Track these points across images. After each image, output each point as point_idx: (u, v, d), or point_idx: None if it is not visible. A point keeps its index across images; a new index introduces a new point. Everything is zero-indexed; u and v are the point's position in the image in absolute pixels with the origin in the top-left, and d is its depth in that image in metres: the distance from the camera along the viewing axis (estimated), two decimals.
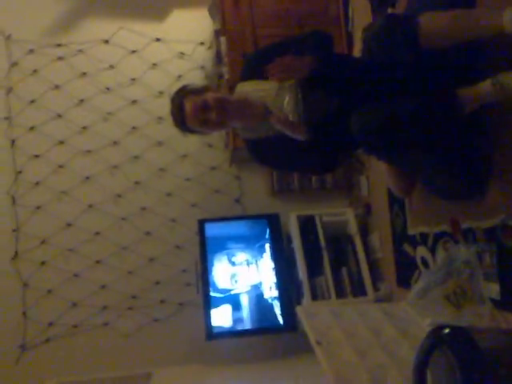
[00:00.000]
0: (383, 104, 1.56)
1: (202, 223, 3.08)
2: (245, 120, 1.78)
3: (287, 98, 1.73)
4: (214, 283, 3.06)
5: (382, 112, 1.53)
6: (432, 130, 1.59)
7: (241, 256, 3.21)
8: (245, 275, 3.17)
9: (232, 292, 3.13)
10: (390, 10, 2.50)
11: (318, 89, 1.70)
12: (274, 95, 1.75)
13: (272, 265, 3.08)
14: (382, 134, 1.53)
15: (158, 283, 3.22)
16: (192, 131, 1.78)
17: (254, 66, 1.81)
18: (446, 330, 1.17)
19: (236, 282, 3.14)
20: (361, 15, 2.93)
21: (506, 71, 1.54)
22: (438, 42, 1.55)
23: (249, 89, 1.80)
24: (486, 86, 1.54)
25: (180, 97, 1.74)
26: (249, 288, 3.16)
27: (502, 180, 1.69)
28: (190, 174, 3.35)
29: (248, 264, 3.18)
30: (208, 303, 2.93)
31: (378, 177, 2.84)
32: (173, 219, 3.29)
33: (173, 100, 1.76)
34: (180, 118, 1.72)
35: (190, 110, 1.69)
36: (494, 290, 1.72)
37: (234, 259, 3.19)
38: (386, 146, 1.57)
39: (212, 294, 2.98)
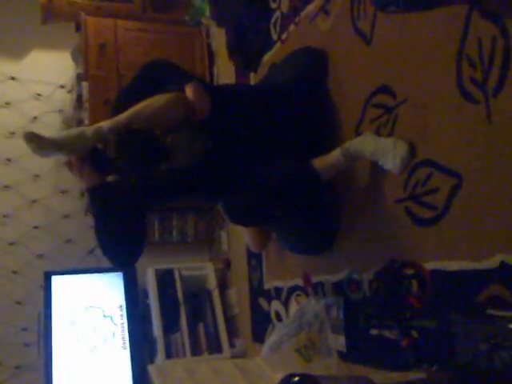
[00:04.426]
0: (247, 188, 1.64)
1: (48, 276, 2.83)
2: None
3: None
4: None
5: (249, 199, 1.62)
6: (293, 200, 1.67)
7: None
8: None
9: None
10: (252, 75, 2.64)
11: None
12: None
13: (125, 322, 2.90)
14: (251, 217, 1.68)
15: None
16: None
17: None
18: (296, 379, 1.17)
19: None
20: (226, 76, 3.05)
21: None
22: None
23: None
24: (336, 154, 1.64)
25: None
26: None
27: (346, 237, 1.81)
28: (38, 221, 3.10)
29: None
30: (49, 366, 2.65)
31: (237, 232, 2.89)
32: (14, 271, 2.98)
33: None
34: None
35: None
36: (340, 342, 1.79)
37: None
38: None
39: None
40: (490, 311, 1.10)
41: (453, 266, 1.32)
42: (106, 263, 3.06)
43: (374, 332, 1.62)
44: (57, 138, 1.48)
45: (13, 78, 3.23)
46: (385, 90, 1.58)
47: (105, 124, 1.49)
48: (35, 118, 3.18)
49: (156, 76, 1.69)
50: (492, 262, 1.19)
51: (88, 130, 1.49)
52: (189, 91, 1.60)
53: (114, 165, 1.48)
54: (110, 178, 1.62)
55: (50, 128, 3.08)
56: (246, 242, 2.46)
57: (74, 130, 1.52)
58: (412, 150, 1.46)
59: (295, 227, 1.88)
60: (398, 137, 1.52)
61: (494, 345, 1.03)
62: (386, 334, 1.56)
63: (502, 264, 1.16)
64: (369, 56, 1.67)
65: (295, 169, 1.65)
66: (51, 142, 1.46)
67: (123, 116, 1.50)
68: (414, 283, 1.46)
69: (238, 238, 2.87)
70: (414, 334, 1.43)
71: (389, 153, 1.50)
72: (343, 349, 1.77)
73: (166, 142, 1.48)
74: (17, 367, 2.87)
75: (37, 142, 1.44)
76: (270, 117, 1.76)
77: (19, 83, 3.24)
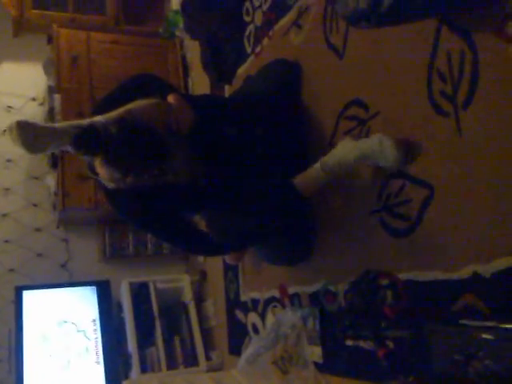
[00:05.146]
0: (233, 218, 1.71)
1: (19, 291, 2.77)
2: None
3: None
4: None
5: (234, 232, 1.73)
6: (276, 220, 1.70)
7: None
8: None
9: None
10: (227, 87, 2.65)
11: None
12: None
13: (99, 336, 2.85)
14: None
15: None
16: None
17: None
18: None
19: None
20: (200, 87, 3.05)
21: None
22: None
23: None
24: (315, 170, 1.61)
25: None
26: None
27: (322, 248, 1.82)
28: (9, 235, 3.03)
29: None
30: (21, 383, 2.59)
31: None
32: None
33: None
34: None
35: None
36: (316, 353, 1.79)
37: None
38: None
39: None
40: (464, 321, 1.11)
41: (426, 276, 1.34)
42: (78, 277, 3.06)
43: (349, 343, 1.63)
44: (51, 126, 1.39)
45: None
46: (357, 102, 1.60)
47: (98, 118, 1.42)
48: (5, 131, 3.11)
49: (141, 87, 1.66)
50: (464, 273, 1.22)
51: (83, 121, 1.41)
52: (171, 99, 1.57)
53: (109, 148, 1.35)
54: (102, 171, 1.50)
55: None
56: None
57: (67, 122, 1.45)
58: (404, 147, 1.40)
59: (272, 239, 1.88)
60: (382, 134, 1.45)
61: (468, 355, 1.04)
62: (362, 344, 1.57)
63: (475, 274, 1.19)
64: (341, 69, 1.69)
65: (279, 192, 1.65)
66: (46, 129, 1.35)
67: (113, 113, 1.43)
68: (389, 293, 1.47)
69: None
70: (390, 344, 1.44)
71: (378, 153, 1.44)
72: (320, 360, 1.77)
73: (169, 142, 1.44)
74: None
75: (31, 129, 1.31)
76: (248, 128, 1.75)
77: None
